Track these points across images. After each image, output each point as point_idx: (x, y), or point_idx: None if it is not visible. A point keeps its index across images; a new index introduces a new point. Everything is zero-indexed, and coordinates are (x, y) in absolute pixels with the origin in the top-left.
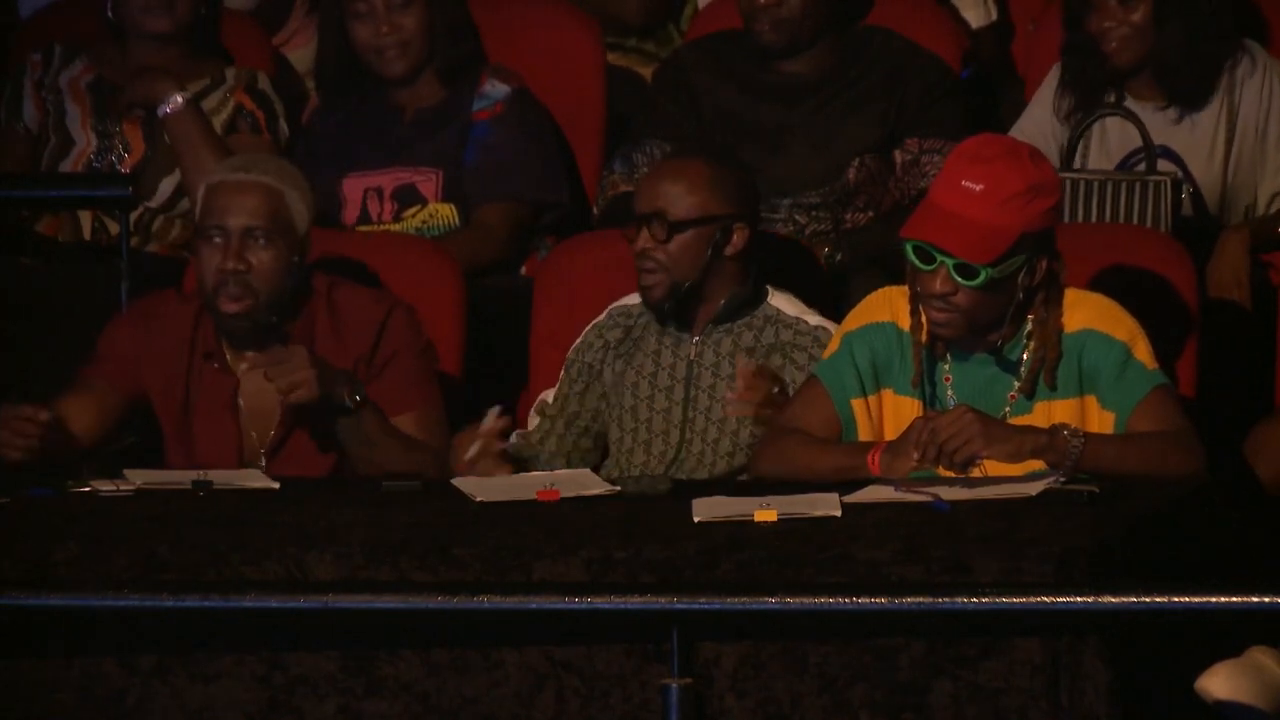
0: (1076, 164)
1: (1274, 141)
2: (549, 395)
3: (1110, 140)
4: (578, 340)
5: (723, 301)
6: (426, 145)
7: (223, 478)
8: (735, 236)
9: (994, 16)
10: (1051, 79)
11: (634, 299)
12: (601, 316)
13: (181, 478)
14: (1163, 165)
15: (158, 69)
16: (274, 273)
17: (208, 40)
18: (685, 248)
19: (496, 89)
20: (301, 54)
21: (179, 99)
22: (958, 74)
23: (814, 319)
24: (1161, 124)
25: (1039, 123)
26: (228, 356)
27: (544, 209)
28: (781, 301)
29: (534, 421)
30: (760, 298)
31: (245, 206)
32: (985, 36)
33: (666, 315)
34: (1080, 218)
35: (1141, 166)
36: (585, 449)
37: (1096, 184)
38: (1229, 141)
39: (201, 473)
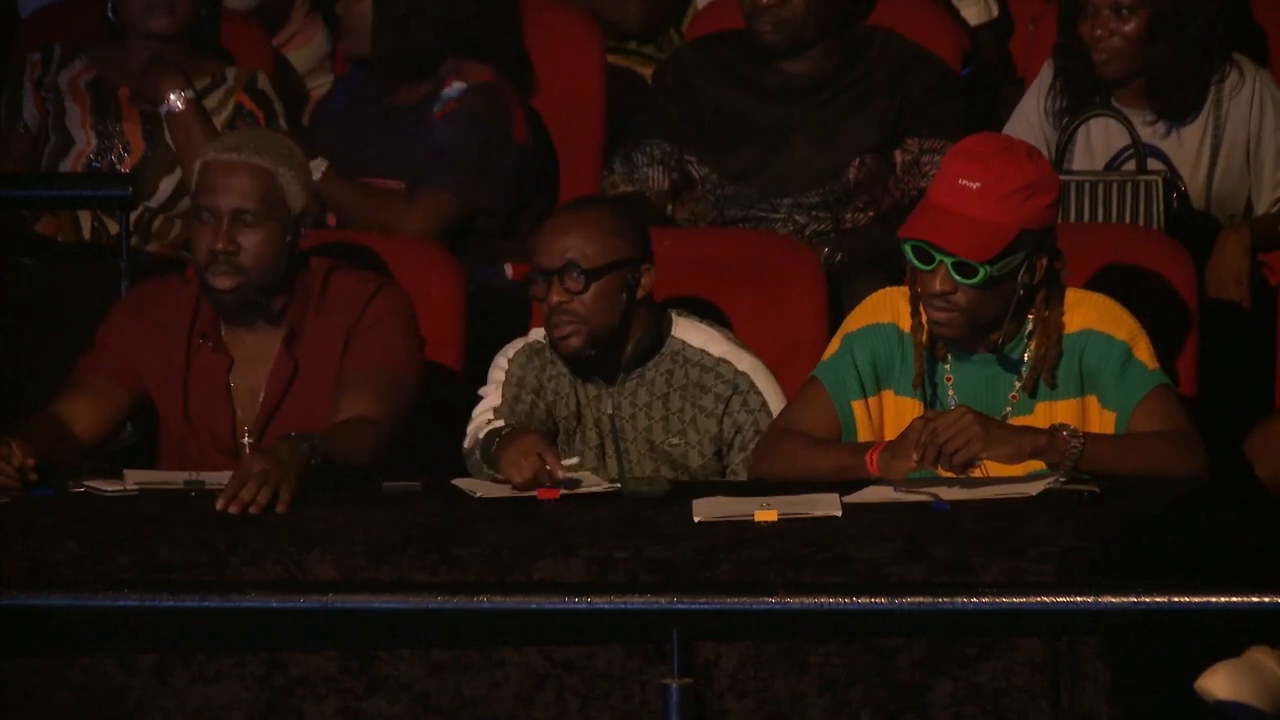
0: (1064, 165)
1: (1270, 156)
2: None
3: (1094, 141)
4: (504, 365)
5: (630, 348)
6: (396, 153)
7: (215, 478)
8: (644, 278)
9: (994, 14)
10: (1041, 79)
11: (536, 337)
12: (519, 350)
13: (175, 478)
14: (1152, 164)
15: (165, 65)
16: (264, 254)
17: (208, 40)
18: (602, 295)
19: (454, 89)
20: (301, 54)
21: (182, 97)
22: (958, 74)
23: (718, 348)
24: (1148, 134)
25: (1029, 123)
26: (223, 335)
27: (475, 211)
28: (686, 331)
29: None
30: (665, 332)
31: (235, 188)
32: (984, 34)
33: (587, 366)
34: (1072, 218)
35: (1127, 167)
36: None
37: (1087, 184)
38: (1214, 155)
39: (194, 473)
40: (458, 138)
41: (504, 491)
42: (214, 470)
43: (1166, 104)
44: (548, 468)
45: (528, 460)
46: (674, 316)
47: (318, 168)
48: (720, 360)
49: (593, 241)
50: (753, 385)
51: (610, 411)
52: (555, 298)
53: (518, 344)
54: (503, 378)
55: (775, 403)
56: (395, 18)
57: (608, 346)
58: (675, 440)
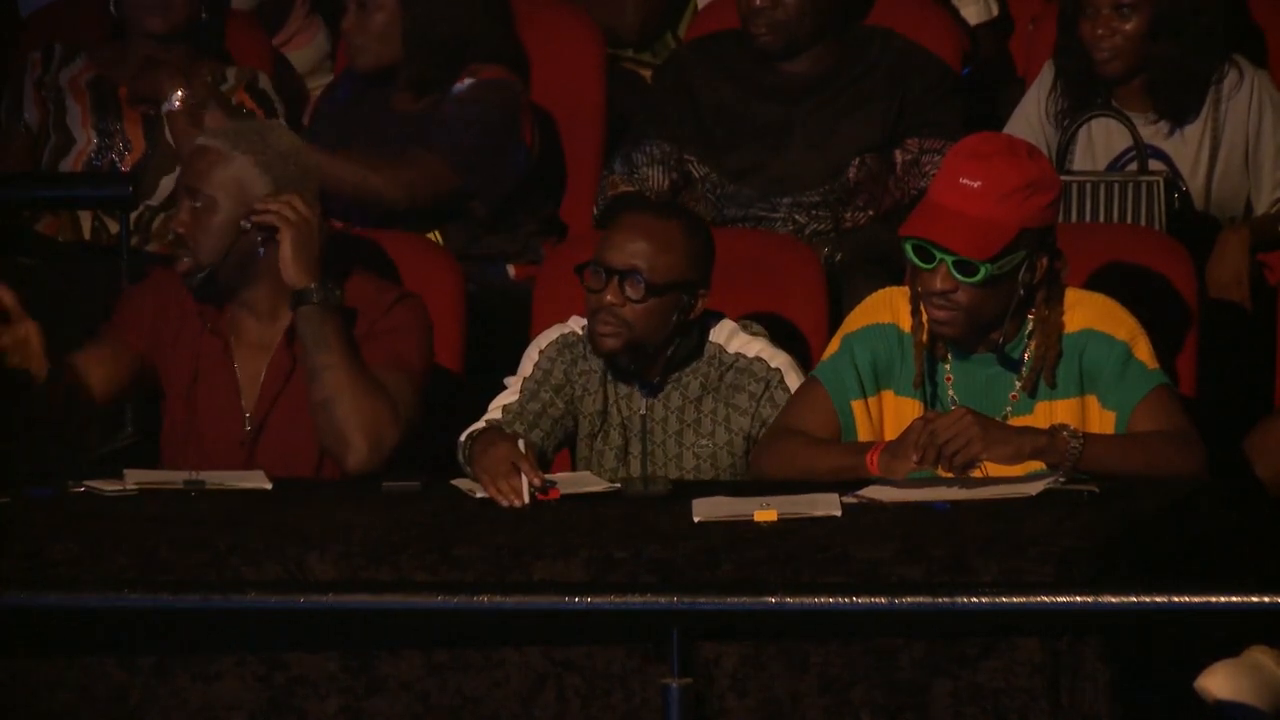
0: (1065, 166)
1: (1269, 156)
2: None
3: (1096, 142)
4: (534, 358)
5: (669, 352)
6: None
7: (215, 478)
8: (699, 303)
9: (994, 13)
10: (1042, 80)
11: (574, 327)
12: (552, 342)
13: (175, 478)
14: (1153, 165)
15: (164, 64)
16: (205, 235)
17: (211, 42)
18: (655, 311)
19: (464, 84)
20: (301, 54)
21: (183, 95)
22: (958, 74)
23: (754, 349)
24: (1148, 135)
25: (1029, 123)
26: (226, 318)
27: (467, 193)
28: (722, 335)
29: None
30: (705, 337)
31: (193, 168)
32: (984, 33)
33: (617, 369)
34: (1073, 219)
35: (1130, 168)
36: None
37: (1089, 185)
38: (1213, 156)
39: (193, 473)
40: (462, 117)
41: None
42: (218, 464)
43: (1167, 103)
44: (524, 478)
45: (503, 470)
46: (712, 321)
47: None
48: (755, 359)
49: (664, 255)
50: (782, 382)
51: (643, 412)
52: (609, 297)
53: (553, 334)
54: (530, 370)
55: None
56: (423, 38)
57: (647, 358)
58: (704, 442)
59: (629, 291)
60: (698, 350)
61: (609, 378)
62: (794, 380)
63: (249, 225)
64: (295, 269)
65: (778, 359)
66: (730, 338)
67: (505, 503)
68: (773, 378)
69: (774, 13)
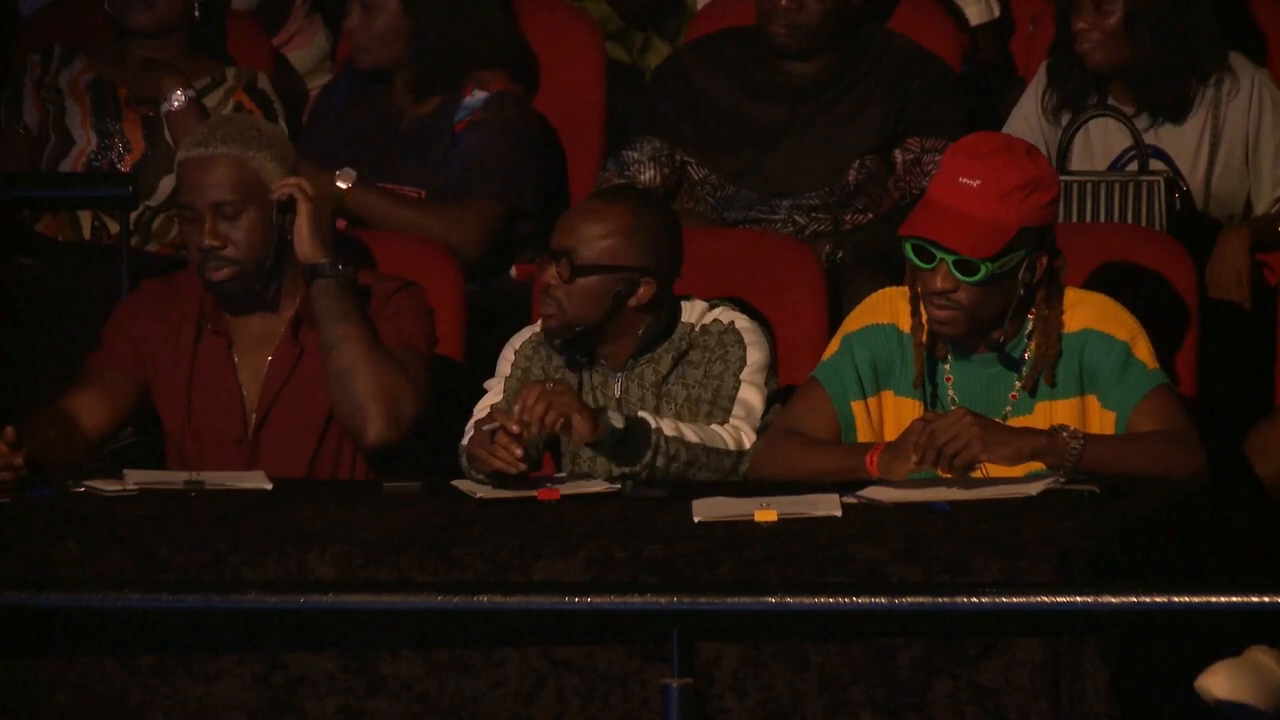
0: (1065, 166)
1: (1269, 155)
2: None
3: (1096, 142)
4: (510, 358)
5: (640, 333)
6: (413, 163)
7: (215, 478)
8: (641, 290)
9: (995, 13)
10: (1039, 79)
11: (535, 330)
12: (526, 341)
13: (175, 478)
14: (1153, 165)
15: (164, 64)
16: (250, 241)
17: (209, 40)
18: (585, 292)
19: (476, 98)
20: (301, 54)
21: (183, 96)
22: (958, 73)
23: (722, 317)
24: (1148, 134)
25: (1028, 123)
26: (227, 320)
27: (514, 214)
28: (694, 314)
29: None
30: (676, 319)
31: (210, 183)
32: (985, 33)
33: (559, 350)
34: (1073, 219)
35: (1130, 168)
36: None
37: (1089, 185)
38: (1212, 155)
39: (194, 473)
40: (490, 144)
41: (504, 492)
42: (217, 465)
43: (1151, 98)
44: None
45: (488, 436)
46: (683, 303)
47: (346, 178)
48: (713, 321)
49: (600, 238)
50: (739, 339)
51: (617, 395)
52: (546, 277)
53: (525, 333)
54: (509, 370)
55: (756, 357)
56: (426, 42)
57: (584, 340)
58: (671, 409)
59: (559, 269)
60: (669, 331)
61: (582, 367)
62: (752, 339)
63: (282, 218)
64: (311, 244)
65: (740, 321)
66: (701, 316)
67: (512, 470)
68: (728, 338)
69: (797, 15)
